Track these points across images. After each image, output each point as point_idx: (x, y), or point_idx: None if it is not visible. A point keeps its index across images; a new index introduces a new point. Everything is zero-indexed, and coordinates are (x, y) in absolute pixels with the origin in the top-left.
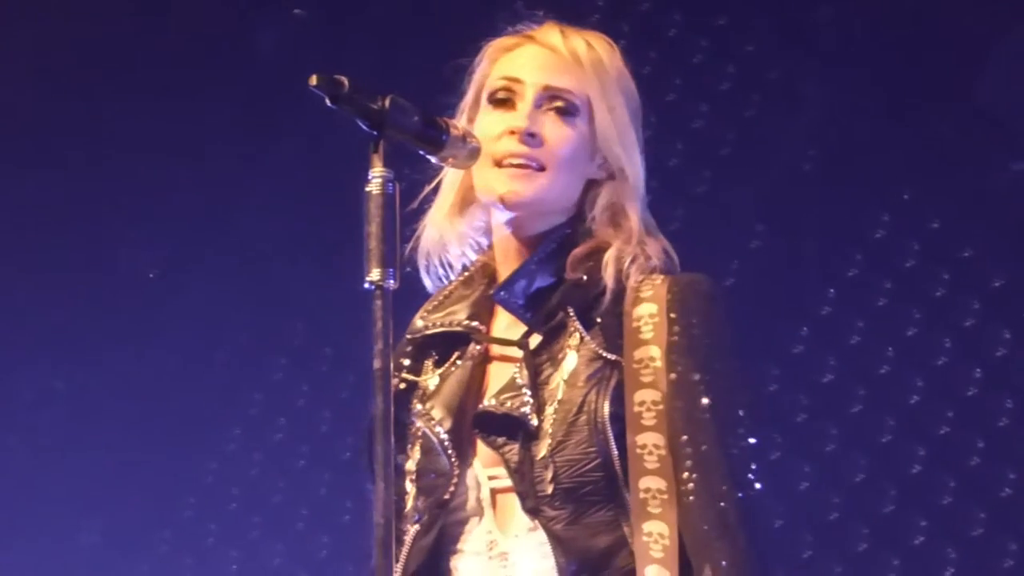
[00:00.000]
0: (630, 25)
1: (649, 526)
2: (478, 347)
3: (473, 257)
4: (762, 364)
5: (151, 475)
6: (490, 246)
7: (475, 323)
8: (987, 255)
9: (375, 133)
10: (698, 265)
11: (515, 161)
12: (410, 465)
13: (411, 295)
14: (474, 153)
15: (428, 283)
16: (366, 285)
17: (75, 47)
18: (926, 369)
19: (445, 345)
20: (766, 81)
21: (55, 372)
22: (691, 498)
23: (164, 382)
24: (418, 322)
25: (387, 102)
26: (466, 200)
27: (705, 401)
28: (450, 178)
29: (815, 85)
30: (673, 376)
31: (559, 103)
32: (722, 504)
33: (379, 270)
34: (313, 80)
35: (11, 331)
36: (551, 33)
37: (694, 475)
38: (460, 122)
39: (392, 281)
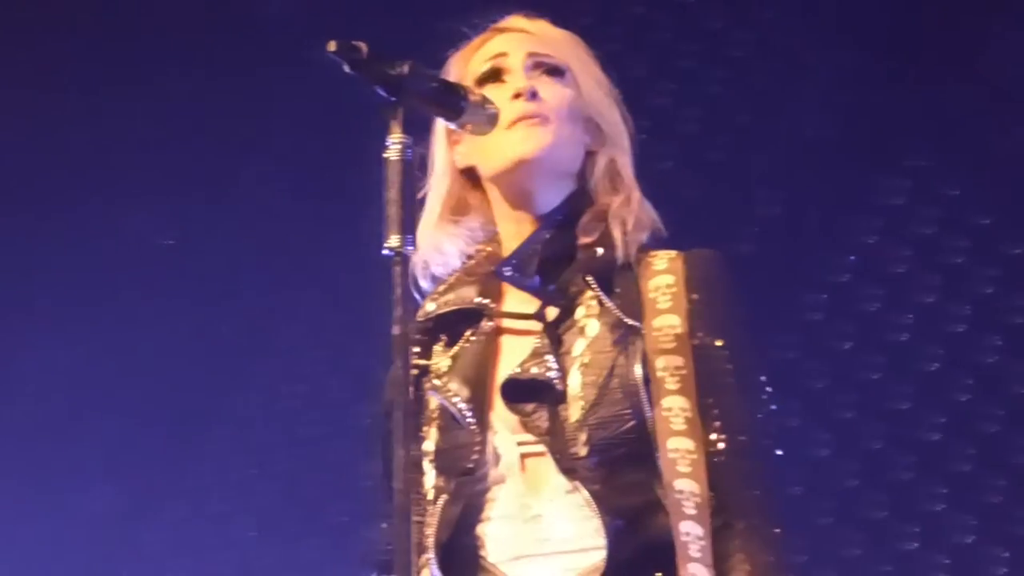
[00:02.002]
0: None
1: (680, 483)
2: (490, 323)
3: (472, 249)
4: (781, 332)
5: (163, 442)
6: (494, 236)
7: (486, 300)
8: (1006, 223)
9: (393, 99)
10: (717, 233)
11: (525, 121)
12: (428, 446)
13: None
14: (493, 119)
15: (424, 283)
16: (384, 251)
17: (86, 7)
18: (944, 337)
19: (455, 326)
20: (784, 48)
21: (65, 339)
22: (721, 458)
23: (175, 349)
24: (429, 305)
25: (406, 68)
26: (458, 208)
27: (728, 367)
28: (436, 190)
29: (833, 52)
30: (696, 343)
31: (547, 66)
32: (750, 463)
33: (398, 236)
34: (331, 46)
35: (20, 298)
36: (517, 20)
37: (723, 435)
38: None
39: (411, 247)
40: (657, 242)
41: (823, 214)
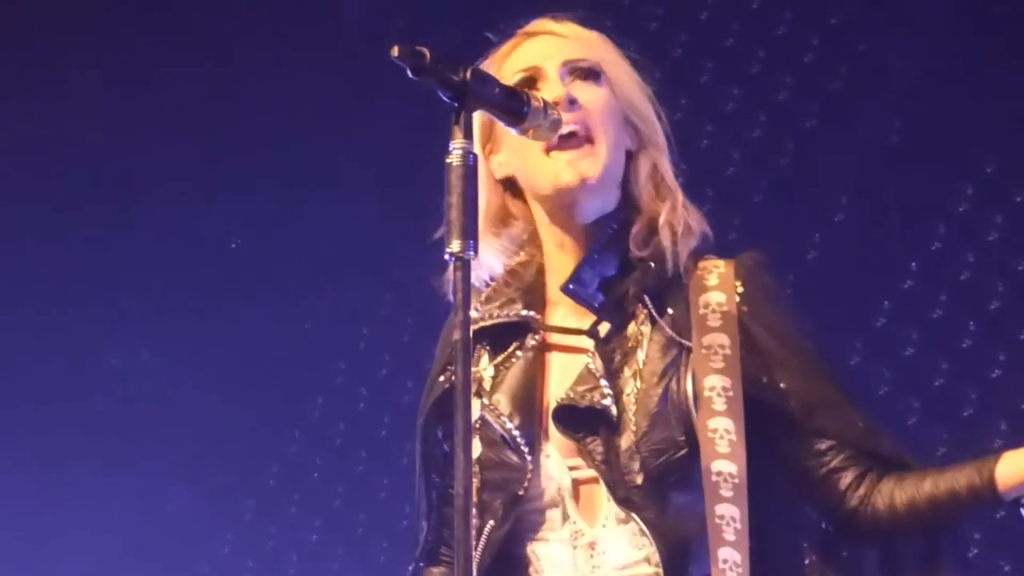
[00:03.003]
0: None
1: (721, 509)
2: (536, 337)
3: (513, 261)
4: (845, 337)
5: (236, 444)
6: (535, 243)
7: (531, 312)
8: None
9: (456, 104)
10: (781, 237)
11: (567, 129)
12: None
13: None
14: (556, 124)
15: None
16: (446, 256)
17: (142, 23)
18: (1009, 343)
19: (498, 336)
20: (852, 53)
21: (143, 341)
22: (833, 425)
23: (247, 351)
24: (472, 313)
25: (468, 73)
26: (499, 218)
27: (806, 362)
28: (480, 197)
29: (901, 57)
30: (767, 347)
31: (582, 70)
32: (862, 424)
33: (459, 241)
34: (395, 51)
35: (99, 300)
36: (545, 23)
37: (837, 425)
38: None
39: (472, 252)
40: (707, 246)
41: (887, 220)
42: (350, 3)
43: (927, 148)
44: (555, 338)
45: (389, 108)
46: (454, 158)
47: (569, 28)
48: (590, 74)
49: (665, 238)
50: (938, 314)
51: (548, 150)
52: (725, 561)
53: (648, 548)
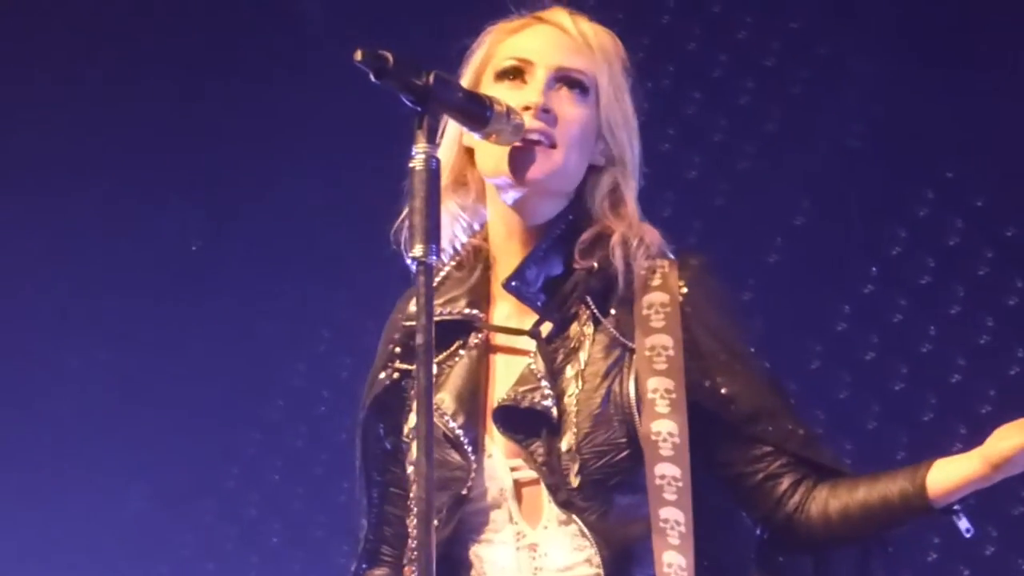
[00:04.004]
0: (676, 1)
1: (666, 512)
2: (479, 336)
3: (463, 239)
4: (805, 341)
5: (194, 445)
6: (481, 228)
7: (475, 311)
8: None
9: (419, 108)
10: (742, 241)
11: (531, 136)
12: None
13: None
14: (518, 130)
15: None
16: (409, 261)
17: (113, 21)
18: (968, 348)
19: (442, 334)
20: (812, 57)
21: (101, 342)
22: (770, 430)
23: (207, 352)
24: (412, 308)
25: (431, 78)
26: (458, 181)
27: (745, 365)
28: (450, 152)
29: (862, 61)
30: (706, 348)
31: (571, 81)
32: (801, 432)
33: (422, 246)
34: (358, 55)
35: (58, 302)
36: (560, 14)
37: (770, 426)
38: None
39: (435, 257)
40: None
41: (848, 224)
42: (312, 4)
43: (888, 152)
44: (498, 338)
45: (351, 110)
46: (417, 162)
47: (580, 27)
48: (578, 86)
49: (617, 256)
50: (898, 318)
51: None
52: (670, 565)
53: (589, 550)
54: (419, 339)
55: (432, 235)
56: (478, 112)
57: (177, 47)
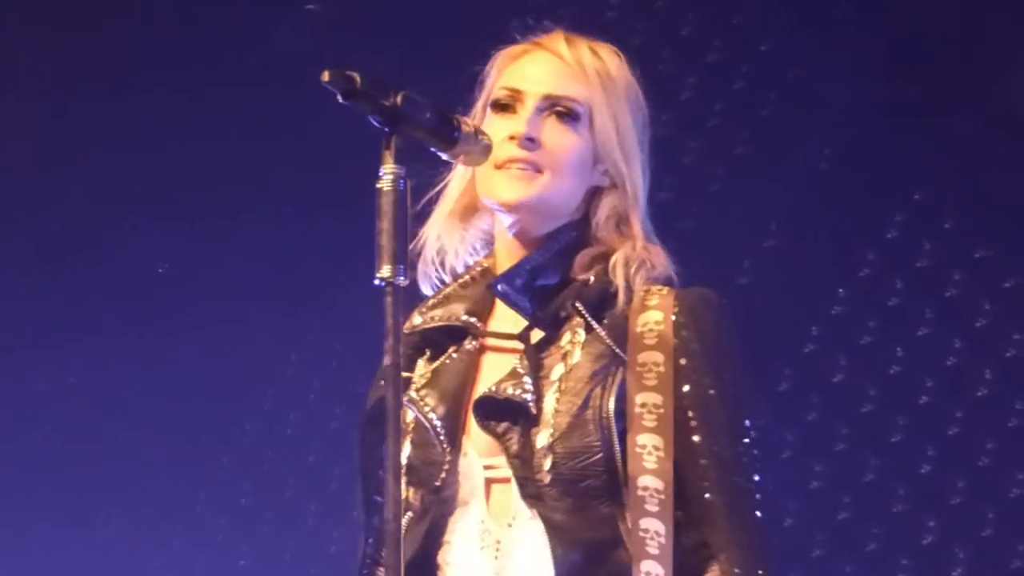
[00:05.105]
0: (644, 24)
1: (646, 523)
2: (474, 342)
3: (470, 261)
4: (773, 363)
5: (163, 470)
6: (492, 251)
7: (472, 319)
8: (1000, 256)
9: (387, 129)
10: (711, 263)
11: (514, 166)
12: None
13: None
14: (486, 150)
15: (425, 287)
16: (377, 282)
17: (83, 42)
18: (937, 370)
19: (441, 341)
20: (782, 80)
21: (68, 366)
22: (707, 495)
23: (176, 376)
24: (416, 318)
25: (399, 98)
26: (471, 205)
27: (718, 407)
28: (456, 183)
29: (831, 84)
30: (687, 388)
31: (560, 108)
32: (739, 504)
33: (390, 267)
34: (325, 76)
35: (24, 325)
36: (557, 41)
37: (709, 475)
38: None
39: (403, 278)
40: (665, 280)
41: (817, 246)
42: (280, 28)
43: (857, 174)
44: (492, 342)
45: (320, 132)
46: (384, 183)
47: (576, 53)
48: (568, 115)
49: (619, 269)
50: (866, 340)
51: (498, 166)
52: (648, 574)
53: (552, 548)
54: (386, 360)
55: (400, 256)
56: (446, 132)
57: (144, 73)
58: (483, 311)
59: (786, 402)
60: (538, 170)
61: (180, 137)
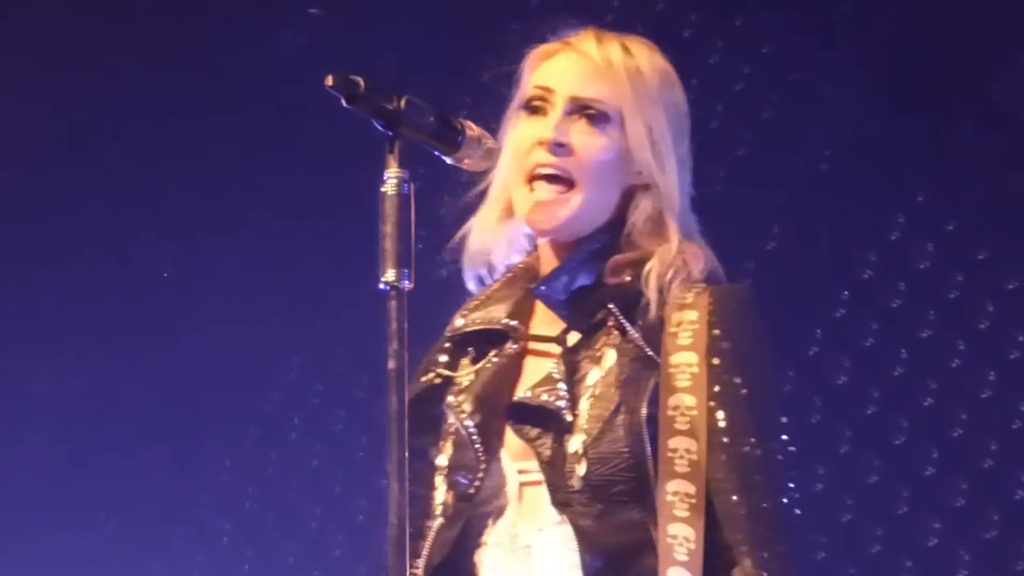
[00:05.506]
0: (645, 26)
1: (675, 528)
2: (515, 345)
3: (517, 260)
4: (777, 365)
5: (166, 472)
6: (536, 249)
7: (513, 322)
8: (1002, 257)
9: (390, 133)
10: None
11: (544, 171)
12: (441, 460)
13: (450, 294)
14: (489, 154)
15: (471, 285)
16: (381, 286)
17: (87, 45)
18: (940, 371)
19: (482, 343)
20: (783, 82)
21: (71, 369)
22: (733, 497)
23: (178, 380)
24: (458, 320)
25: (403, 102)
26: (510, 208)
27: (745, 404)
28: (498, 182)
29: (832, 86)
30: (717, 388)
31: (589, 111)
32: (764, 505)
33: (394, 271)
34: (329, 80)
35: (30, 328)
36: (587, 40)
37: (733, 475)
38: (508, 130)
39: (407, 282)
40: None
41: (819, 248)
42: (283, 32)
43: (858, 176)
44: (533, 345)
45: (324, 136)
46: (388, 187)
47: (606, 51)
48: (597, 118)
49: (652, 277)
50: (870, 342)
51: (530, 180)
52: None
53: (580, 554)
54: (391, 364)
55: (403, 260)
56: (449, 137)
57: (146, 77)
58: (524, 312)
59: (789, 404)
60: (570, 184)
61: (184, 142)
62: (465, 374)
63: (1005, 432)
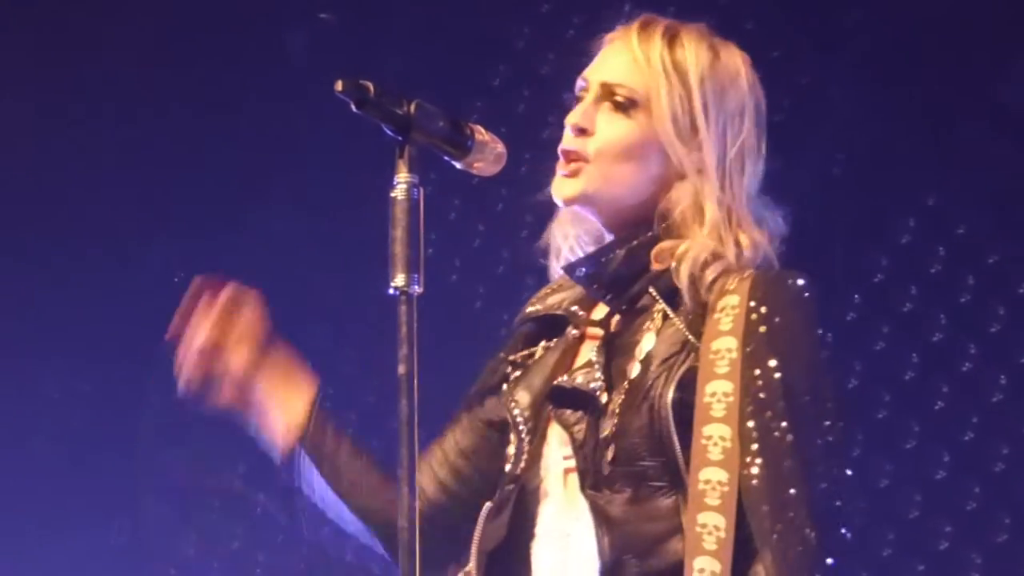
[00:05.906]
0: None
1: (704, 517)
2: (575, 331)
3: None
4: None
5: (175, 476)
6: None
7: (575, 307)
8: (1014, 261)
9: (400, 138)
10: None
11: (563, 159)
12: (510, 450)
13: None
14: (500, 158)
15: (554, 274)
16: (391, 291)
17: (93, 49)
18: (951, 375)
19: (548, 327)
20: (794, 85)
21: (82, 373)
22: (753, 483)
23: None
24: (530, 308)
25: (412, 107)
26: None
27: (779, 389)
28: None
29: (844, 89)
30: (751, 372)
31: (615, 97)
32: (792, 491)
33: (404, 275)
34: (339, 85)
35: (35, 331)
36: (630, 31)
37: (758, 460)
38: None
39: (417, 287)
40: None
41: (830, 251)
42: (294, 37)
43: (870, 180)
44: (590, 331)
45: (334, 141)
46: (398, 192)
47: (644, 40)
48: (621, 104)
49: (683, 267)
50: (881, 346)
51: (559, 160)
52: (702, 570)
53: (606, 539)
54: (400, 369)
55: (413, 265)
56: (459, 141)
57: (157, 75)
58: (587, 300)
59: None
60: (585, 161)
61: (192, 146)
62: (538, 355)
63: (1016, 435)
